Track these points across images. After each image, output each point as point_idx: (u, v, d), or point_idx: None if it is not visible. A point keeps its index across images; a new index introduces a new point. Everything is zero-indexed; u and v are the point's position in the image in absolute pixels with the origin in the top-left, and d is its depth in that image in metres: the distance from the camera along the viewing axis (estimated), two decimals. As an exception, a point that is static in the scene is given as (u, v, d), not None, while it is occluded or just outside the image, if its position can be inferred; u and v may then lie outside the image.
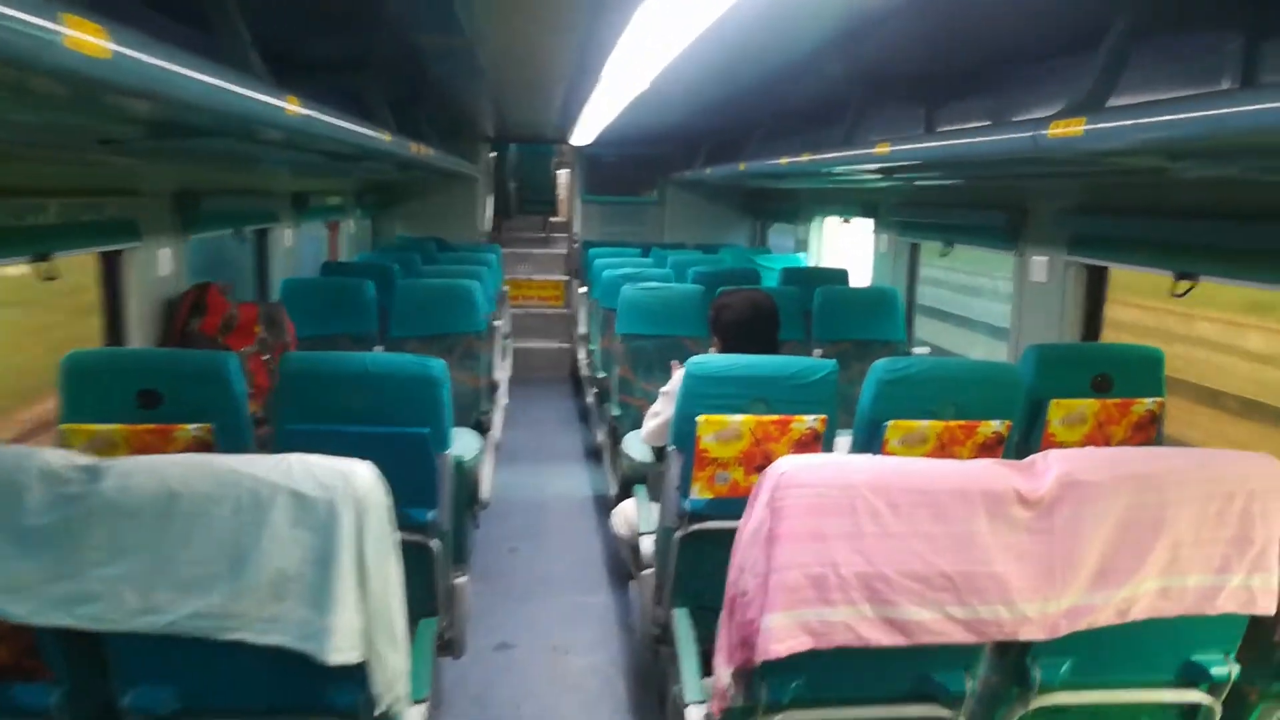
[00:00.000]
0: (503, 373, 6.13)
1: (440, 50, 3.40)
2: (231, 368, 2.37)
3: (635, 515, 3.27)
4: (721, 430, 2.48)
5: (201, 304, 3.47)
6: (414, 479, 2.44)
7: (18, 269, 2.66)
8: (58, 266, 2.58)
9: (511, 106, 5.93)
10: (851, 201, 5.61)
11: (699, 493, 2.52)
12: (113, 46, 1.01)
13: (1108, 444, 2.66)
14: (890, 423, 2.34)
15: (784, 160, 3.96)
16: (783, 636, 1.56)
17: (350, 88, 3.49)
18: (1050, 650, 1.68)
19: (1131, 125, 1.66)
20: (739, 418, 2.47)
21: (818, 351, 4.40)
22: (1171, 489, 1.62)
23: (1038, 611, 1.60)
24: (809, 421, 2.48)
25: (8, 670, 1.68)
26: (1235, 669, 1.74)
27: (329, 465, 1.54)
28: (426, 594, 2.52)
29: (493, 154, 10.09)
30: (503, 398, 5.83)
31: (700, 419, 2.46)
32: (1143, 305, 4.60)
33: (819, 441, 2.50)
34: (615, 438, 4.55)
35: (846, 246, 6.67)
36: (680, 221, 8.99)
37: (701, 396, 2.47)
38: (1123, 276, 3.24)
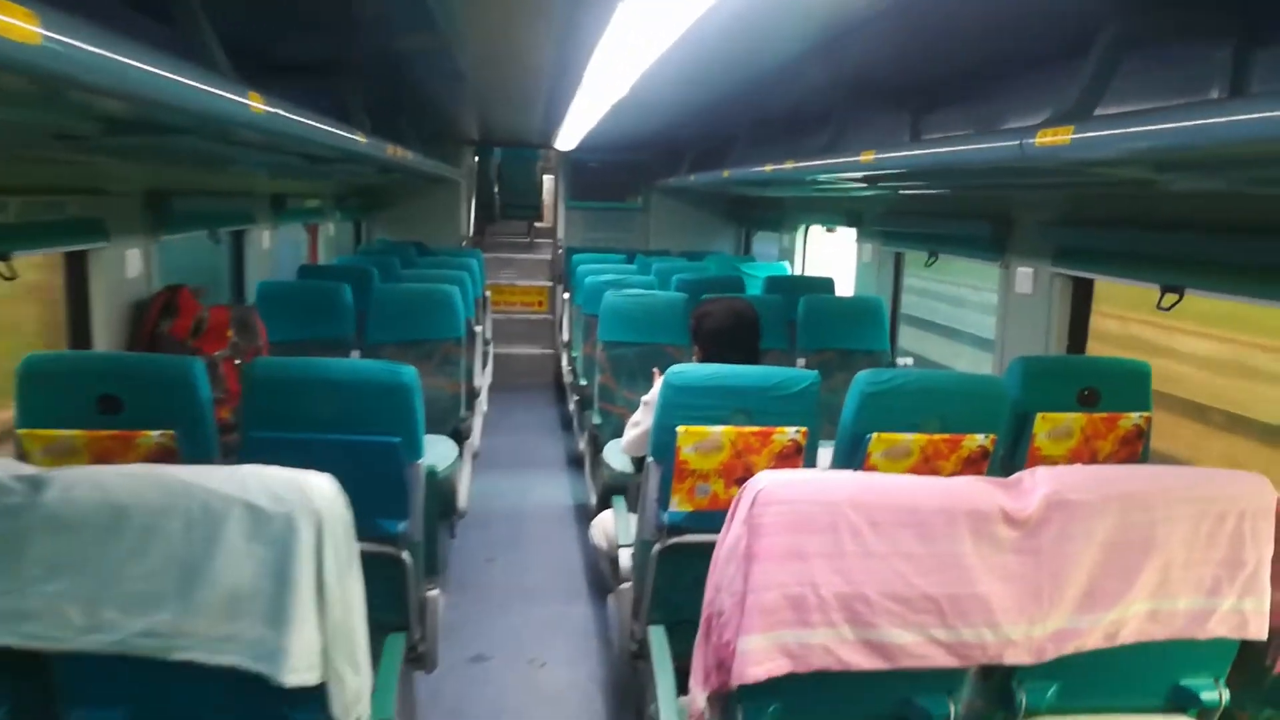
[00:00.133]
0: (483, 379, 6.06)
1: (417, 52, 3.34)
2: (196, 373, 2.30)
3: (614, 527, 3.21)
4: (701, 441, 2.43)
5: (172, 306, 3.39)
6: (384, 489, 2.38)
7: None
8: (15, 266, 2.50)
9: (493, 110, 5.87)
10: (836, 210, 5.59)
11: (678, 505, 2.47)
12: (42, 31, 0.94)
13: (1094, 458, 2.63)
14: (873, 435, 2.29)
15: (768, 168, 3.93)
16: (760, 659, 1.50)
17: (327, 90, 3.42)
18: (1036, 674, 1.64)
19: (1120, 134, 1.63)
20: (719, 429, 2.41)
21: (801, 361, 4.37)
22: (1161, 509, 1.58)
23: (1023, 634, 1.56)
24: (790, 433, 2.43)
25: (-53, 691, 1.60)
26: (1226, 694, 1.69)
27: (286, 477, 1.48)
28: (397, 607, 2.46)
29: (476, 158, 10.02)
30: (483, 405, 5.75)
31: (680, 430, 2.41)
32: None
33: (801, 454, 2.46)
34: (596, 446, 4.49)
35: (831, 255, 6.65)
36: (665, 228, 8.96)
37: (681, 407, 2.42)
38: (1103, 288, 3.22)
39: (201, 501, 1.44)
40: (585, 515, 4.93)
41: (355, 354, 4.28)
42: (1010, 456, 2.59)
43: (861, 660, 1.54)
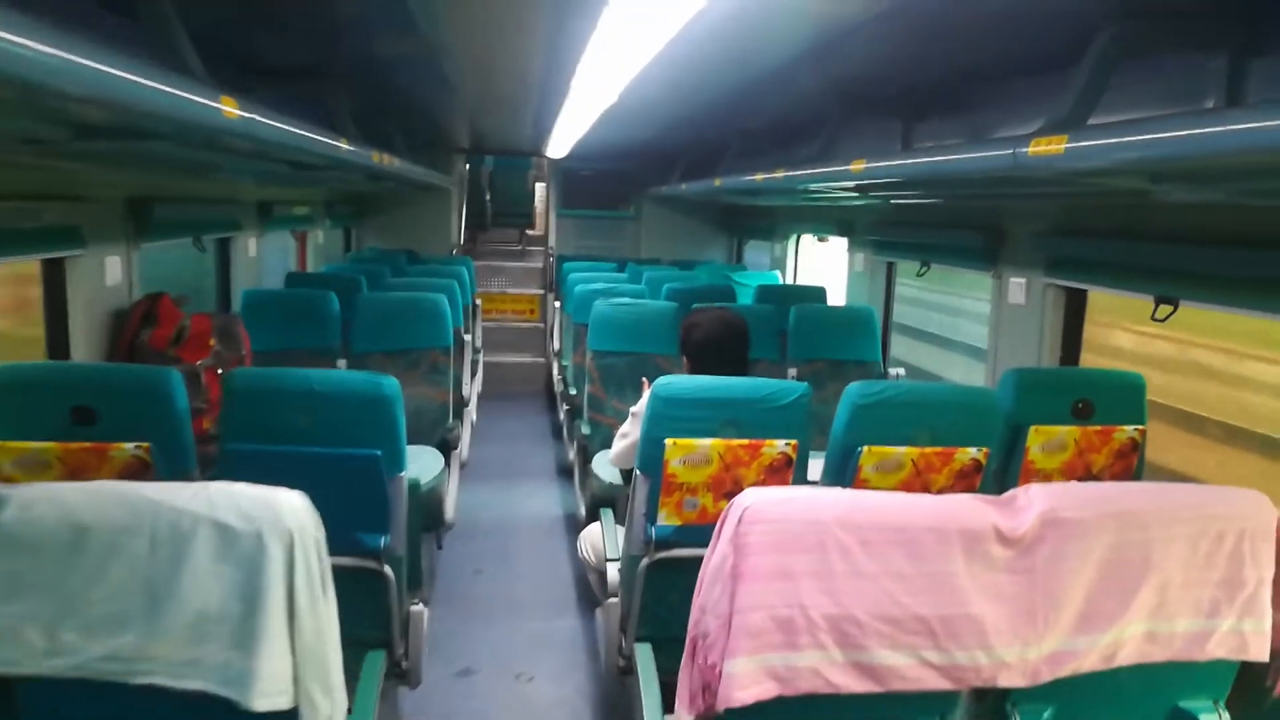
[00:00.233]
0: (473, 388, 6.00)
1: (403, 58, 3.30)
2: (173, 383, 2.24)
3: (601, 540, 3.16)
4: (690, 454, 2.38)
5: (153, 315, 3.33)
6: (365, 503, 2.34)
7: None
8: None
9: (482, 117, 5.84)
10: (827, 219, 5.57)
11: (666, 519, 2.43)
12: None
13: (1088, 471, 2.59)
14: (864, 448, 2.25)
15: (759, 177, 3.89)
16: (746, 683, 1.45)
17: (314, 96, 3.38)
18: (1031, 697, 1.59)
19: (1115, 144, 1.60)
20: (708, 441, 2.37)
21: (792, 371, 4.34)
22: (1158, 527, 1.54)
23: (1017, 657, 1.51)
24: (780, 446, 2.39)
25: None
26: (1226, 717, 1.66)
27: (255, 494, 1.43)
28: (379, 623, 2.41)
29: (467, 166, 9.99)
30: (472, 414, 5.70)
31: (668, 442, 2.36)
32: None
33: (791, 467, 2.41)
34: (586, 457, 4.45)
35: (823, 265, 6.62)
36: (657, 237, 8.93)
37: (669, 419, 2.38)
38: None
39: (167, 520, 1.39)
40: (575, 526, 4.88)
41: (341, 363, 4.23)
42: (1003, 470, 2.56)
43: (851, 683, 1.49)
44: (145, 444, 2.18)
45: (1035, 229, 3.22)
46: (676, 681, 1.74)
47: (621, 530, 2.90)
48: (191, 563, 1.39)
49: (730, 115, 4.49)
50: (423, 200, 8.20)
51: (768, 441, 2.39)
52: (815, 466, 2.48)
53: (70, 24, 1.13)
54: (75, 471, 2.18)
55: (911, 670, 1.50)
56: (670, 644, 2.31)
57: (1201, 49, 2.05)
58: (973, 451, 2.30)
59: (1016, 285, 3.34)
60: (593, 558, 3.35)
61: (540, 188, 11.45)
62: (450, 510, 4.33)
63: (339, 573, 2.11)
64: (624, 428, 3.03)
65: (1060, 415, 2.58)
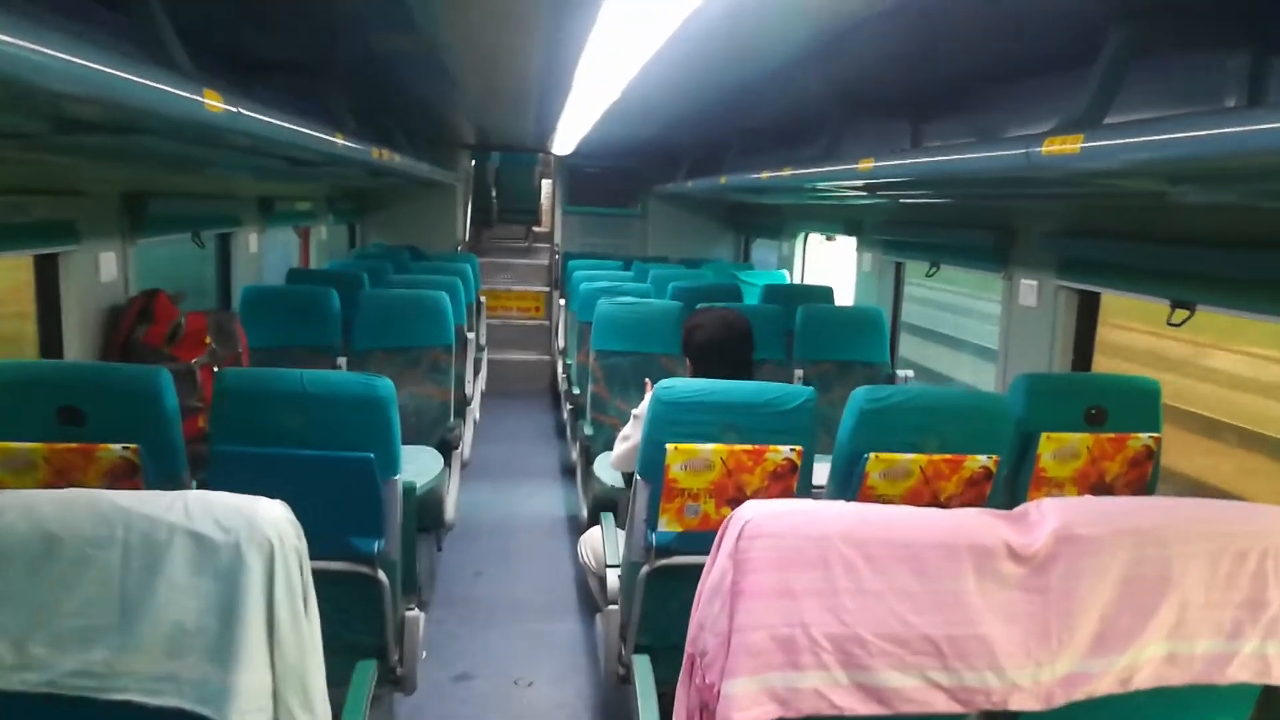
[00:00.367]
0: (475, 387, 5.95)
1: (402, 53, 3.24)
2: (163, 383, 2.19)
3: (602, 545, 3.10)
4: (691, 459, 2.32)
5: (149, 312, 3.28)
6: (358, 507, 2.29)
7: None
8: None
9: (485, 113, 5.78)
10: (835, 218, 5.50)
11: (667, 525, 2.37)
12: None
13: (1101, 480, 2.52)
14: (871, 455, 2.19)
15: (765, 175, 3.83)
16: (746, 704, 1.39)
17: (314, 92, 3.33)
18: (1043, 721, 1.52)
19: (1133, 144, 1.54)
20: (710, 447, 2.31)
21: (798, 372, 4.28)
22: (1177, 544, 1.47)
23: (1030, 679, 1.45)
24: (785, 452, 2.33)
25: None
26: None
27: (234, 504, 1.37)
28: (373, 629, 2.36)
29: (473, 162, 9.93)
30: (474, 413, 5.64)
31: (669, 447, 2.31)
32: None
33: (796, 473, 2.35)
34: (588, 458, 4.39)
35: (830, 264, 6.56)
36: (663, 235, 8.87)
37: (670, 423, 2.32)
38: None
39: (141, 530, 1.33)
40: (577, 527, 4.83)
41: (341, 361, 4.18)
42: (1014, 477, 2.49)
43: (856, 705, 1.43)
44: (133, 445, 2.14)
45: (1047, 229, 3.15)
46: (674, 694, 1.69)
47: (622, 535, 2.85)
48: (167, 574, 1.34)
49: (736, 113, 4.44)
50: (428, 196, 8.15)
51: (771, 447, 2.33)
52: (822, 470, 2.42)
53: (55, 16, 1.08)
54: (61, 472, 2.13)
55: (918, 692, 1.44)
56: (670, 653, 2.25)
57: (1221, 48, 1.98)
58: (982, 459, 2.24)
59: (1028, 287, 3.27)
60: (593, 562, 3.29)
61: (547, 184, 11.39)
62: (450, 511, 4.28)
63: (332, 578, 2.07)
64: (625, 430, 2.97)
65: (1073, 422, 2.51)
